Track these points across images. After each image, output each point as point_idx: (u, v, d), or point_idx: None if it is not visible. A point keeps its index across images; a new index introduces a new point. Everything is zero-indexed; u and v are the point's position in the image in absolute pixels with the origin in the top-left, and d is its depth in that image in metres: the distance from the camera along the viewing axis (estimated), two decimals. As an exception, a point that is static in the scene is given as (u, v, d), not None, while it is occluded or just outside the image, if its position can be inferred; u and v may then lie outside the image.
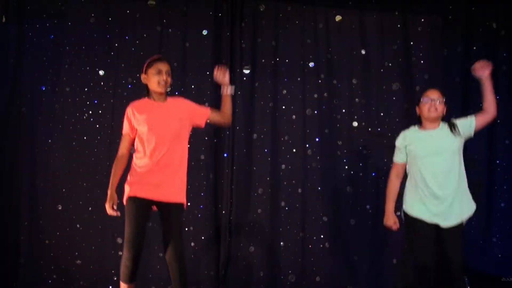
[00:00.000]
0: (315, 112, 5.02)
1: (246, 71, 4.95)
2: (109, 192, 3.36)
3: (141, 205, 3.35)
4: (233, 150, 4.86)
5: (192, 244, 4.79)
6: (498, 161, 5.12)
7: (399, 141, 3.80)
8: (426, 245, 3.57)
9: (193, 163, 4.82)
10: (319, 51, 5.07)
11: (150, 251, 4.73)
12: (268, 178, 4.91)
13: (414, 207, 3.66)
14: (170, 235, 3.37)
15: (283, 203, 4.92)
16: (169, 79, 3.48)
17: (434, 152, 3.62)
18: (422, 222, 3.60)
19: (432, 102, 3.67)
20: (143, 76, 3.52)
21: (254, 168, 4.91)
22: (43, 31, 4.72)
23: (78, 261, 4.62)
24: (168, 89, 3.53)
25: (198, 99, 4.85)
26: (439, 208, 3.57)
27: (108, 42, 4.79)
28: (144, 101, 3.53)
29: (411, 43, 5.15)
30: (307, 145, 4.98)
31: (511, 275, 4.76)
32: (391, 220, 3.73)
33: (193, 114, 3.58)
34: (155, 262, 4.73)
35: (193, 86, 4.90)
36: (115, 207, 3.35)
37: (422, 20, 5.18)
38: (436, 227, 3.59)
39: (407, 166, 3.78)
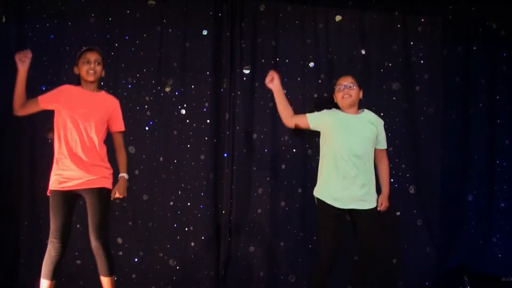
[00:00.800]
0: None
1: (246, 71, 4.95)
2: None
3: (65, 197, 3.48)
4: (233, 150, 4.86)
5: (192, 244, 4.79)
6: (498, 161, 5.12)
7: (321, 111, 3.96)
8: (332, 231, 3.68)
9: (193, 163, 4.84)
10: (319, 51, 5.06)
11: (150, 251, 4.73)
12: (268, 178, 4.91)
13: (322, 191, 3.76)
14: (92, 222, 3.52)
15: (283, 203, 4.92)
16: (98, 68, 3.60)
17: (351, 132, 3.73)
18: (331, 207, 3.69)
19: (345, 89, 3.80)
20: (75, 68, 3.66)
21: (254, 168, 4.91)
22: (43, 31, 4.71)
23: (78, 261, 4.62)
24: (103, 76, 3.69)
25: (198, 99, 4.88)
26: (349, 191, 3.66)
27: (108, 42, 4.79)
28: (77, 87, 3.66)
29: (411, 43, 5.15)
30: (307, 145, 4.98)
31: (511, 275, 4.76)
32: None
33: (112, 118, 3.69)
34: (155, 262, 4.73)
35: (193, 86, 4.90)
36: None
37: (422, 20, 5.18)
38: (347, 213, 3.73)
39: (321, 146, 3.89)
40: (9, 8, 4.65)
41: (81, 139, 3.53)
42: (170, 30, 4.88)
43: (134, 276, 4.67)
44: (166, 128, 4.84)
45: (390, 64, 5.12)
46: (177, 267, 4.76)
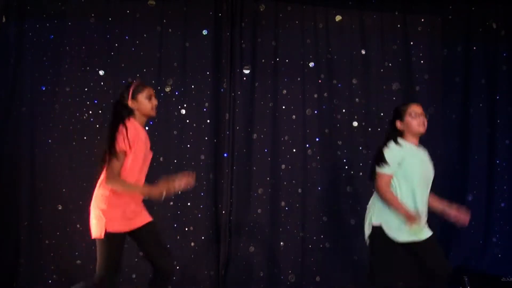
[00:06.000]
0: (315, 112, 5.03)
1: (246, 71, 4.95)
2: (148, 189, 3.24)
3: (124, 238, 3.27)
4: (233, 150, 4.86)
5: (192, 244, 4.79)
6: (498, 161, 5.12)
7: (395, 154, 3.49)
8: (409, 267, 3.46)
9: (193, 163, 4.84)
10: (319, 51, 5.07)
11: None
12: (268, 178, 4.91)
13: (398, 230, 3.44)
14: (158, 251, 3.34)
15: (283, 203, 4.92)
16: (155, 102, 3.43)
17: (427, 170, 3.56)
18: (401, 244, 3.44)
19: (421, 117, 3.55)
20: (130, 102, 3.32)
21: (254, 168, 4.91)
22: (43, 31, 4.72)
23: (78, 261, 4.62)
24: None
25: (198, 99, 4.89)
26: (417, 226, 3.44)
27: (108, 42, 4.79)
28: (136, 124, 3.32)
29: (411, 43, 5.15)
30: (307, 145, 4.98)
31: (511, 275, 4.76)
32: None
33: None
34: (155, 262, 4.72)
35: (193, 86, 4.90)
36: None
37: (422, 20, 5.19)
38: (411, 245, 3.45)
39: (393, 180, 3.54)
40: (9, 8, 4.66)
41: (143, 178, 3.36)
42: (170, 30, 4.88)
43: (134, 276, 4.67)
44: (166, 128, 4.84)
45: (390, 64, 5.12)
46: (177, 267, 4.75)
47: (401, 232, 3.44)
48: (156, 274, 3.30)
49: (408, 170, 3.48)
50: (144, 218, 3.35)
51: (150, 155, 3.39)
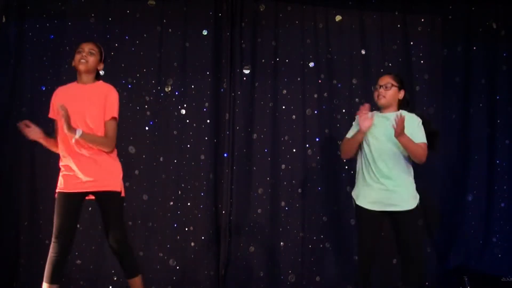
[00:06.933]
0: (315, 112, 5.03)
1: (246, 71, 4.95)
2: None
3: (69, 199, 3.30)
4: (233, 150, 4.86)
5: (192, 244, 4.79)
6: (498, 161, 5.12)
7: (355, 121, 3.85)
8: (370, 233, 3.64)
9: (193, 163, 4.84)
10: (319, 51, 5.07)
11: (150, 251, 4.73)
12: (268, 178, 4.91)
13: (359, 195, 3.71)
14: (108, 225, 3.34)
15: (283, 203, 4.92)
16: (91, 58, 3.35)
17: (384, 135, 3.65)
18: (367, 210, 3.64)
19: (380, 89, 3.73)
20: (72, 62, 3.43)
21: (254, 168, 4.91)
22: (43, 31, 4.72)
23: (78, 261, 4.62)
24: (101, 71, 3.51)
25: (198, 99, 4.89)
26: (384, 193, 3.59)
27: (108, 42, 4.79)
28: (70, 84, 3.48)
29: (411, 43, 5.15)
30: (307, 145, 4.98)
31: (511, 275, 4.76)
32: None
33: (105, 106, 3.35)
34: (155, 262, 4.73)
35: (193, 86, 4.90)
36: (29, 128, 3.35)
37: (422, 20, 5.18)
38: (383, 214, 3.64)
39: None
40: (9, 8, 4.66)
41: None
42: (170, 30, 4.88)
43: (134, 276, 4.67)
44: (166, 128, 4.84)
45: (390, 64, 5.12)
46: (177, 267, 4.76)
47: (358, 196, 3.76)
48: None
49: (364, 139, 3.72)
50: (95, 186, 3.29)
51: (76, 112, 3.28)
